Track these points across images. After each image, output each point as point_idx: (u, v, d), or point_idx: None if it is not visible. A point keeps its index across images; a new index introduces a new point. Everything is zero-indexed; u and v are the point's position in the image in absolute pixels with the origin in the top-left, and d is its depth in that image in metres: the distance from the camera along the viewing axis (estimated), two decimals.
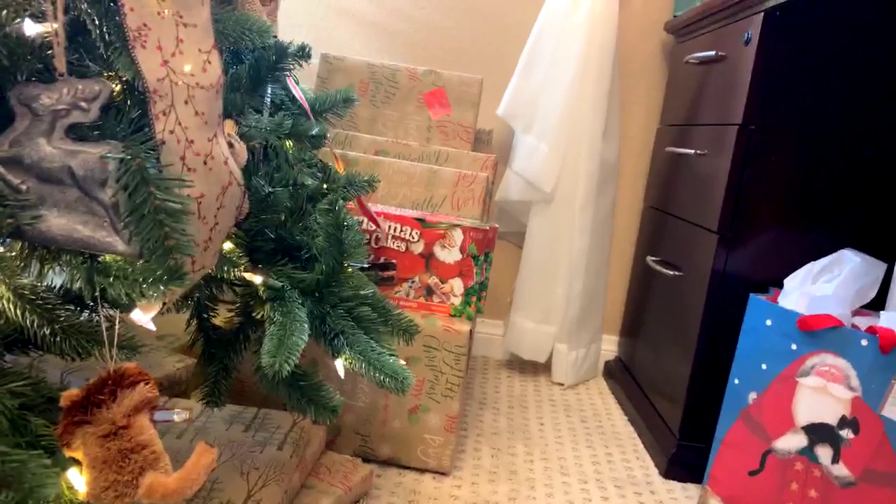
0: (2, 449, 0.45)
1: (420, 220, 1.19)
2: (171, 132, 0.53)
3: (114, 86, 0.53)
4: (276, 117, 0.81)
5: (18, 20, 0.53)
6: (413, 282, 1.21)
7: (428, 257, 1.20)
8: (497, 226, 1.30)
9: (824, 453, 1.04)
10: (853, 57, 1.19)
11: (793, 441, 1.07)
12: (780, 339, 1.08)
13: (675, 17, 1.68)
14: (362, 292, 0.82)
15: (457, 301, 1.21)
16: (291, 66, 0.76)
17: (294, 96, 0.87)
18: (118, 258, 0.53)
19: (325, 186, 0.88)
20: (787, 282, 1.16)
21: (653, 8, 1.76)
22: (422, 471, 1.22)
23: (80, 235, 0.51)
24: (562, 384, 1.76)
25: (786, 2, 1.14)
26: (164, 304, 0.57)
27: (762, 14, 1.19)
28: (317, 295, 0.76)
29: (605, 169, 1.73)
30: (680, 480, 1.31)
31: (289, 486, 0.91)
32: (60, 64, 0.50)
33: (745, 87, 1.21)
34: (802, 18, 1.17)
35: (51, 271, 0.56)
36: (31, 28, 0.54)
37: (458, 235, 1.19)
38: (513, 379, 1.76)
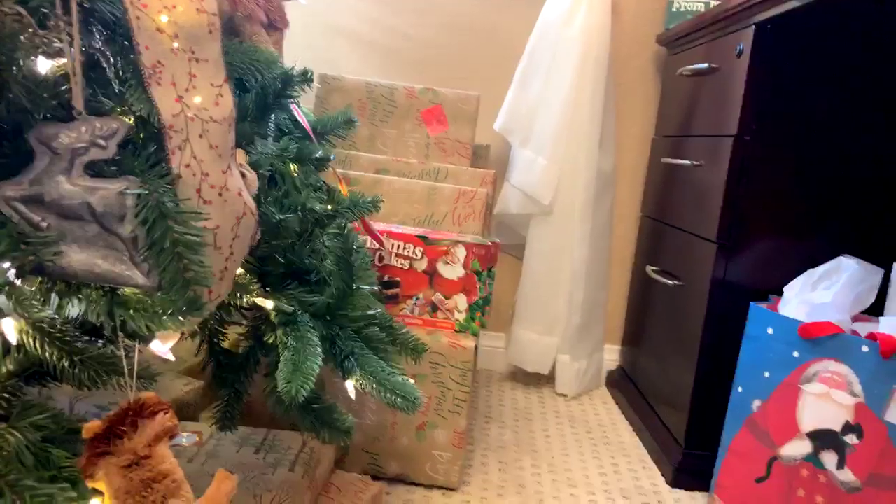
0: (29, 484, 0.46)
1: (423, 238, 1.21)
2: (187, 166, 0.54)
3: (130, 122, 0.55)
4: (281, 142, 0.82)
5: (32, 58, 0.54)
6: (417, 299, 1.22)
7: (431, 274, 1.21)
8: (499, 241, 1.32)
9: (829, 459, 1.05)
10: (844, 67, 1.21)
11: (798, 447, 1.08)
12: (781, 346, 1.10)
13: (667, 29, 1.70)
14: (370, 312, 0.83)
15: (461, 317, 1.22)
16: (297, 94, 0.78)
17: (296, 119, 0.88)
18: (137, 291, 0.54)
19: (329, 208, 0.89)
20: (787, 290, 1.17)
21: (645, 21, 1.79)
22: (430, 487, 1.22)
23: (100, 270, 0.52)
24: (565, 395, 1.77)
25: (776, 15, 1.16)
26: (183, 333, 0.58)
27: (753, 27, 1.21)
28: (327, 318, 0.77)
29: (602, 179, 1.75)
30: (687, 489, 1.32)
31: None
32: (78, 103, 0.51)
33: (739, 98, 1.23)
34: (794, 31, 1.20)
35: (69, 304, 0.57)
36: (43, 65, 0.56)
37: (461, 252, 1.20)
38: (517, 391, 1.77)
